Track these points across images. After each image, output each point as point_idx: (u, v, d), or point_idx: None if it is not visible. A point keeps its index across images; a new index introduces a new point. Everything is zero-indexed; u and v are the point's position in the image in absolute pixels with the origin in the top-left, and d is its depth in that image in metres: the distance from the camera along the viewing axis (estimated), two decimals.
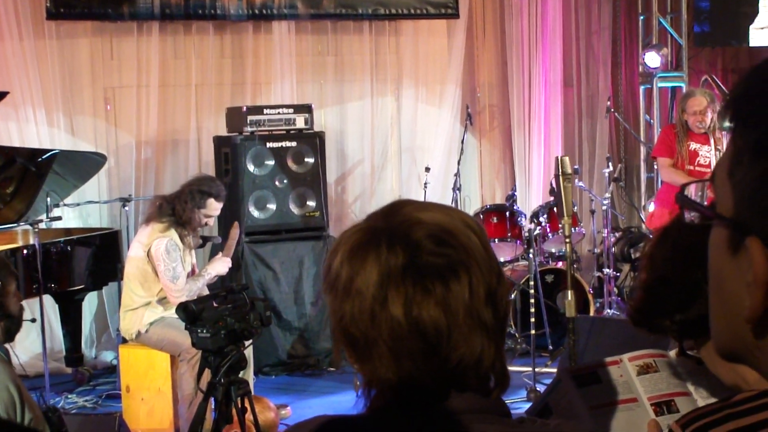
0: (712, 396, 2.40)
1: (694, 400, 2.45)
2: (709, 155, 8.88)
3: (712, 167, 8.64)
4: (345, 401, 8.24)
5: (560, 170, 5.68)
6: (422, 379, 1.79)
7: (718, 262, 1.31)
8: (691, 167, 8.92)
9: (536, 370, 8.17)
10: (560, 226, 5.78)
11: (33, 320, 7.24)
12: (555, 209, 9.64)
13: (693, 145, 8.92)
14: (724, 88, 9.67)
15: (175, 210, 7.42)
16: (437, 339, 1.77)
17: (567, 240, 5.78)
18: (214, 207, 7.56)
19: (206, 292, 7.56)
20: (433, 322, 1.76)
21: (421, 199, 10.29)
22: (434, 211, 1.86)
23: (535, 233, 9.24)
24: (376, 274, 1.79)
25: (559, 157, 5.76)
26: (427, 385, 1.80)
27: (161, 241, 7.32)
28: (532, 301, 8.42)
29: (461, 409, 1.81)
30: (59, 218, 8.50)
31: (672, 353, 2.49)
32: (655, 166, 10.34)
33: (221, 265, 7.68)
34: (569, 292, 5.78)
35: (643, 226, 11.21)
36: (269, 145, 9.42)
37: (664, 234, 2.19)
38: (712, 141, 8.85)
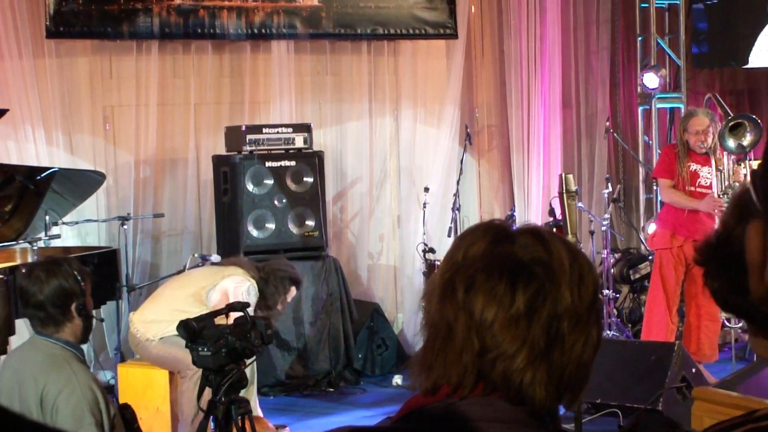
0: None
1: None
2: (709, 176, 8.86)
3: (713, 188, 8.64)
4: (344, 422, 8.20)
5: (564, 188, 5.67)
6: (454, 369, 1.82)
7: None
8: (692, 188, 8.88)
9: None
10: None
11: (101, 320, 7.37)
12: (555, 229, 9.62)
13: (693, 166, 8.89)
14: (726, 107, 9.66)
15: (263, 283, 7.52)
16: (480, 324, 1.80)
17: None
18: (293, 295, 7.86)
19: None
20: (481, 311, 1.80)
21: (420, 218, 10.30)
22: (558, 239, 1.90)
23: None
24: (463, 251, 1.86)
25: (563, 175, 5.76)
26: (455, 379, 1.82)
27: (244, 282, 7.40)
28: None
29: (482, 417, 1.79)
30: (58, 236, 8.47)
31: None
32: (655, 187, 10.32)
33: None
34: None
35: (643, 247, 11.19)
36: (268, 164, 9.42)
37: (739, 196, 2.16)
38: (713, 161, 8.84)
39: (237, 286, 7.35)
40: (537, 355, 1.79)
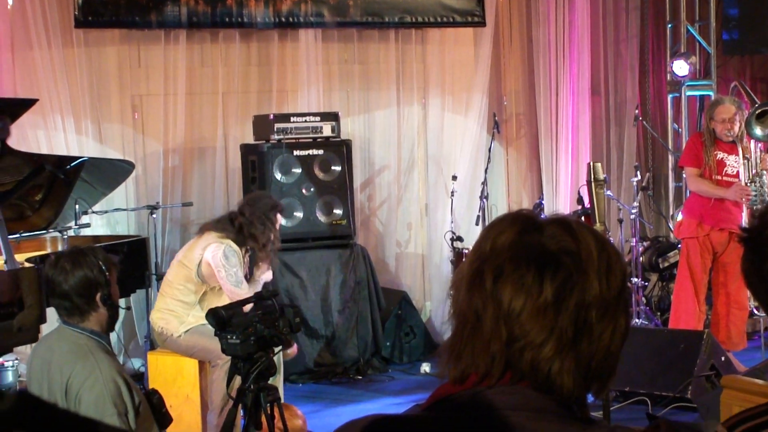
0: None
1: None
2: (736, 165, 8.81)
3: (741, 177, 8.59)
4: (372, 409, 8.22)
5: (592, 176, 5.65)
6: (482, 359, 1.82)
7: None
8: (719, 177, 8.84)
9: None
10: None
11: (128, 308, 7.39)
12: (582, 218, 9.60)
13: (720, 155, 8.85)
14: (753, 95, 9.60)
15: (243, 230, 7.45)
16: (508, 313, 1.80)
17: None
18: (281, 221, 7.76)
19: None
20: (509, 300, 1.80)
21: (448, 207, 10.28)
22: (586, 228, 1.90)
23: None
24: (491, 241, 1.86)
25: (591, 163, 5.74)
26: (483, 369, 1.82)
27: (218, 246, 7.34)
28: None
29: (510, 405, 1.80)
30: (88, 225, 8.51)
31: None
32: (684, 176, 10.28)
33: (268, 273, 7.70)
34: None
35: (671, 235, 11.15)
36: (296, 152, 9.43)
37: None
38: (739, 149, 8.78)
39: (214, 254, 7.33)
40: (565, 344, 1.80)
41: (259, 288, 7.49)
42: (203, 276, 7.39)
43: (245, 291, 7.28)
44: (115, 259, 7.97)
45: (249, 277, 7.64)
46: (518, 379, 1.82)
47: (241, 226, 7.46)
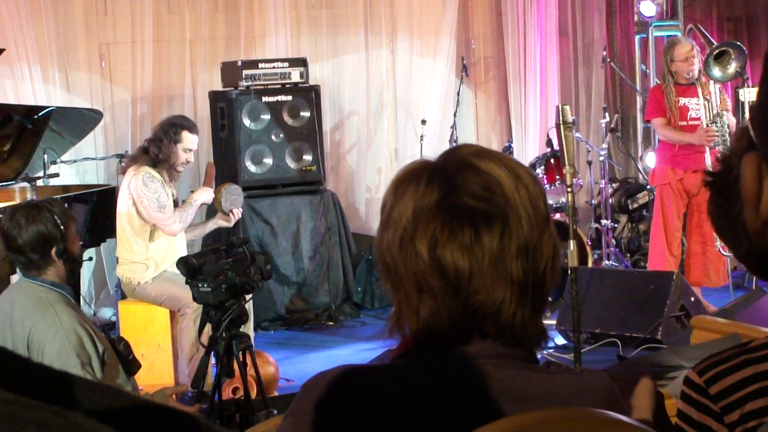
0: None
1: None
2: (698, 106, 8.84)
3: (702, 119, 8.64)
4: (344, 355, 8.24)
5: (561, 119, 5.65)
6: (442, 320, 1.81)
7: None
8: (684, 123, 8.85)
9: None
10: (564, 174, 5.73)
11: (90, 259, 7.34)
12: (552, 160, 9.62)
13: (682, 101, 8.86)
14: (710, 37, 9.61)
15: (149, 152, 7.43)
16: (457, 281, 1.78)
17: (569, 189, 5.74)
18: (190, 140, 7.59)
19: (198, 226, 7.87)
20: (453, 264, 1.78)
21: (417, 151, 10.26)
22: (490, 159, 1.86)
23: None
24: (411, 207, 1.82)
25: (560, 106, 5.73)
26: (446, 328, 1.82)
27: (136, 178, 7.36)
28: None
29: (479, 354, 1.81)
30: (56, 175, 8.49)
31: None
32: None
33: (205, 193, 7.73)
34: (571, 242, 5.73)
35: (641, 176, 11.19)
36: (265, 99, 9.40)
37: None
38: (699, 91, 8.80)
39: (135, 188, 7.38)
40: (521, 292, 1.80)
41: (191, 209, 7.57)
42: (146, 218, 7.42)
43: (168, 215, 7.34)
44: (83, 209, 8.02)
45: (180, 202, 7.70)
46: (483, 338, 1.83)
47: (147, 149, 7.48)
